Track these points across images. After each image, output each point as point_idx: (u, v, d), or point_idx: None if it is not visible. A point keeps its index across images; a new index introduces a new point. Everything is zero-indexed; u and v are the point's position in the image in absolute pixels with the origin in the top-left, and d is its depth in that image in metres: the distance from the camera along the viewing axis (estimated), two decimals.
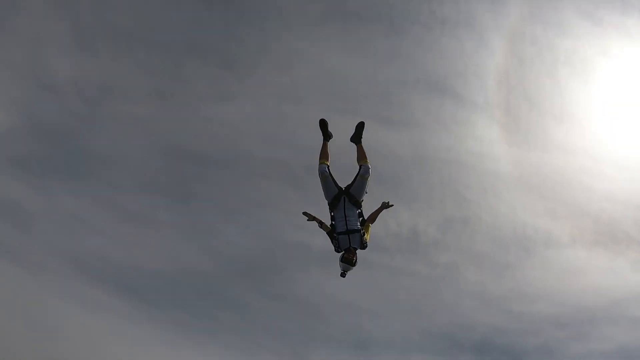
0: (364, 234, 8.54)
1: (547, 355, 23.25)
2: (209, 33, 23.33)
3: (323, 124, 9.22)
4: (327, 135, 9.10)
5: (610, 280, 22.33)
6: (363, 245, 8.50)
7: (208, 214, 23.31)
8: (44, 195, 20.97)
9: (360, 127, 9.12)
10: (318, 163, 8.88)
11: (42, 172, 21.38)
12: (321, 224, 8.74)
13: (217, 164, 23.70)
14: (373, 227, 8.86)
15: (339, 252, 8.45)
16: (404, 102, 23.65)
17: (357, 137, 9.09)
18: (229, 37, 23.50)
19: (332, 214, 8.70)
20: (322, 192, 8.84)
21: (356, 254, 8.30)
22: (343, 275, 8.27)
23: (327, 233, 8.77)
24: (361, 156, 8.93)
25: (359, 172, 8.74)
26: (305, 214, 8.91)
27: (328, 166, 8.80)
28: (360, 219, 8.68)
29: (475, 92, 22.96)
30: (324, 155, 8.98)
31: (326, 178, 8.62)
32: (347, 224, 8.48)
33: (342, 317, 22.82)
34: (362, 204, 8.69)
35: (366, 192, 8.81)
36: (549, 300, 22.73)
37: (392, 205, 8.73)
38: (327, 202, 8.83)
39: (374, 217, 8.80)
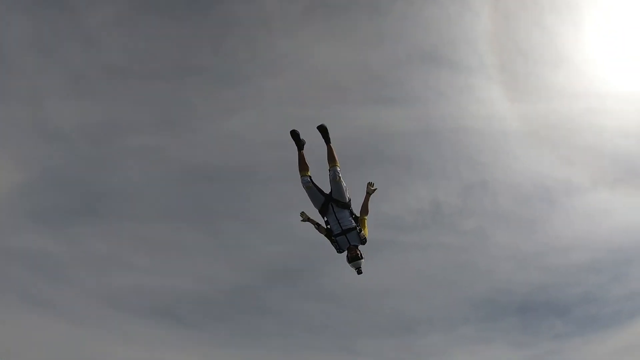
0: (361, 230, 8.68)
1: (591, 303, 23.14)
2: (199, 53, 23.62)
3: (294, 135, 9.15)
4: (300, 145, 9.08)
5: (637, 217, 22.12)
6: (362, 241, 8.65)
7: (231, 229, 23.69)
8: (69, 241, 21.44)
9: (321, 129, 9.04)
10: (299, 176, 8.87)
11: (63, 220, 21.84)
12: (318, 226, 8.93)
13: (232, 177, 24.05)
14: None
15: (341, 252, 8.72)
16: (401, 79, 23.67)
17: (325, 139, 8.97)
18: (218, 52, 23.75)
19: (325, 219, 8.81)
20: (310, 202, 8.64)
21: (358, 249, 8.49)
22: (359, 272, 8.49)
23: (325, 236, 8.92)
24: (330, 158, 9.06)
25: (329, 177, 8.91)
26: (302, 214, 9.11)
27: (310, 177, 8.88)
28: (353, 216, 8.76)
29: (469, 56, 22.87)
30: (302, 166, 8.99)
31: (310, 189, 8.64)
32: (341, 225, 8.69)
33: (382, 304, 23.01)
34: (351, 202, 8.73)
35: (348, 194, 8.80)
36: (581, 248, 22.64)
37: (375, 189, 9.07)
38: (317, 210, 8.88)
39: (365, 208, 8.96)
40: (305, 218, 8.88)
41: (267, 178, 23.10)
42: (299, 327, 22.72)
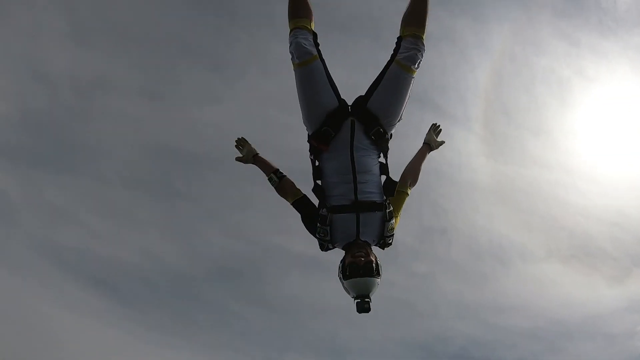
0: (391, 216, 3.84)
1: None
2: (202, 36, 23.67)
3: None
4: None
5: (585, 295, 22.84)
6: (387, 238, 3.94)
7: (190, 214, 23.52)
8: (29, 186, 21.00)
9: None
10: (289, 28, 4.08)
11: (28, 162, 21.40)
12: (280, 180, 4.02)
13: (202, 164, 23.96)
14: None
15: (325, 250, 3.84)
16: None
17: None
18: (221, 40, 23.87)
19: (317, 161, 3.94)
20: (302, 109, 3.97)
21: (371, 251, 3.86)
22: (363, 308, 3.71)
23: (294, 205, 3.94)
24: (414, 16, 3.97)
25: (396, 52, 4.09)
26: (239, 144, 4.44)
27: (315, 35, 4.13)
28: (384, 177, 4.07)
29: (455, 105, 23.59)
30: (299, 6, 4.14)
31: (311, 63, 3.96)
32: (357, 187, 3.74)
33: (319, 323, 22.95)
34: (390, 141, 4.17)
35: (401, 117, 4.15)
36: (524, 313, 23.16)
37: (443, 143, 5.13)
38: (308, 129, 3.98)
39: (416, 172, 4.51)
40: (247, 154, 4.36)
41: (237, 173, 23.10)
42: (231, 328, 22.50)
